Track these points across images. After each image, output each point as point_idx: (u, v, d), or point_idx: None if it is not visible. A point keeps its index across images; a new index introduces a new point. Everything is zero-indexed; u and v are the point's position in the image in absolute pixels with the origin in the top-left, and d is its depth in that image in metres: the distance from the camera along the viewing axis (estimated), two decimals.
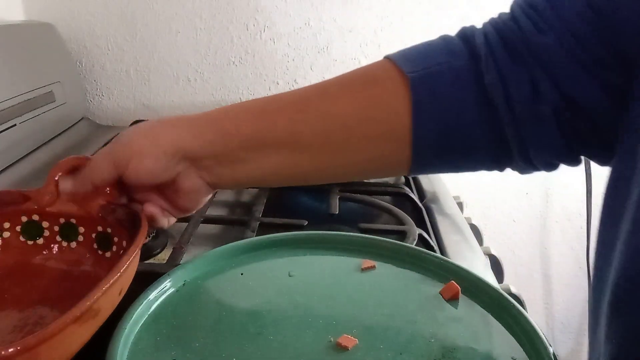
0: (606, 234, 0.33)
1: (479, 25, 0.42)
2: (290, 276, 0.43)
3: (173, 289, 0.40)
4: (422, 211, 0.66)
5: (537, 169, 0.41)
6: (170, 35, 0.98)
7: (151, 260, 0.56)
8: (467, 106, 0.39)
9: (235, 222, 0.61)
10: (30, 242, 0.42)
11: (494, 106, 0.38)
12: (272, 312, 0.39)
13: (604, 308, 0.32)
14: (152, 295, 0.38)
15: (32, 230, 0.42)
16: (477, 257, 0.59)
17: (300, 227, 0.58)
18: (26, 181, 0.71)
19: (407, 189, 0.71)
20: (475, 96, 0.39)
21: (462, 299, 0.41)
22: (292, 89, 1.01)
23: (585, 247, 1.08)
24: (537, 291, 1.18)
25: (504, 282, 0.69)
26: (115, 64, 0.99)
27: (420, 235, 0.57)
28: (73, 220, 0.42)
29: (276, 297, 0.40)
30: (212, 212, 0.64)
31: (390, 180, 0.82)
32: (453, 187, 0.85)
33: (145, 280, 0.39)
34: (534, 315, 1.18)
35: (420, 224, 0.62)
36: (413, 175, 0.42)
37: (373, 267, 0.44)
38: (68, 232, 0.42)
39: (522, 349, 0.35)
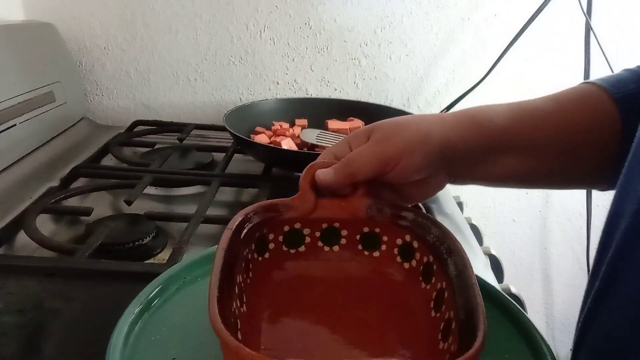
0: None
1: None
2: None
3: (172, 288, 0.40)
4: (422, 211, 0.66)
5: None
6: (170, 35, 0.98)
7: (151, 260, 0.56)
8: None
9: None
10: (292, 251, 0.40)
11: None
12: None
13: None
14: (151, 295, 0.38)
15: (294, 238, 0.40)
16: (477, 257, 0.58)
17: None
18: (26, 181, 0.71)
19: None
20: None
21: None
22: (292, 89, 1.01)
23: (585, 247, 1.08)
24: (537, 291, 1.18)
25: (504, 282, 0.69)
26: (115, 64, 0.99)
27: None
28: (336, 224, 0.40)
29: None
30: (212, 212, 0.64)
31: None
32: (453, 187, 0.85)
33: (145, 280, 0.39)
34: (534, 315, 1.18)
35: None
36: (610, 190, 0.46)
37: None
38: (330, 236, 0.41)
39: (522, 349, 0.35)
